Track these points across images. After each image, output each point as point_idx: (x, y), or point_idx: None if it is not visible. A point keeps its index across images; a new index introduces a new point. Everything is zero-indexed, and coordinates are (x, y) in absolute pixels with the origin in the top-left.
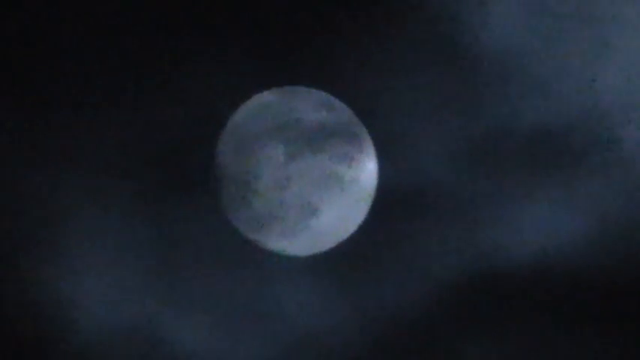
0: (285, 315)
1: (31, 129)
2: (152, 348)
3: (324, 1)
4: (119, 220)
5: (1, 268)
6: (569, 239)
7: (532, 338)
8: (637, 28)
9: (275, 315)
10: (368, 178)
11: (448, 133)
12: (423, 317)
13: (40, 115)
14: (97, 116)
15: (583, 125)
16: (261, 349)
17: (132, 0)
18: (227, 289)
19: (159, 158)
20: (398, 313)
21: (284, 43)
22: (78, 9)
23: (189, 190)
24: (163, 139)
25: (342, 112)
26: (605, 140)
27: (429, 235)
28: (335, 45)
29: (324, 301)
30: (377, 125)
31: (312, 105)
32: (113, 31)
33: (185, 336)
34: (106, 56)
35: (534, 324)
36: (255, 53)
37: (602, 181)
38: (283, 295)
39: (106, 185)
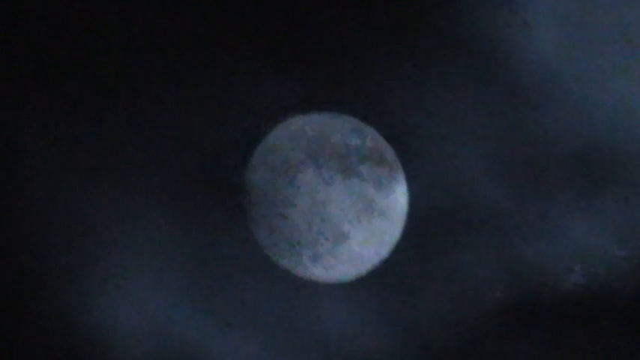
0: (324, 343)
1: (66, 143)
2: None
3: (357, 27)
4: (153, 243)
5: (39, 290)
6: (616, 261)
7: None
8: None
9: (314, 343)
10: (399, 202)
11: (487, 154)
12: (464, 342)
13: (74, 130)
14: (128, 133)
15: (626, 145)
16: None
17: (166, 21)
18: (261, 315)
19: (189, 180)
20: (438, 338)
21: (318, 68)
22: (107, 28)
23: (220, 214)
24: (194, 160)
25: (372, 137)
26: None
27: (466, 258)
28: (366, 69)
29: (361, 327)
30: (407, 149)
31: (343, 130)
32: (148, 49)
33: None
34: (140, 75)
35: (579, 348)
36: (289, 78)
37: None
38: (320, 322)
39: (140, 206)
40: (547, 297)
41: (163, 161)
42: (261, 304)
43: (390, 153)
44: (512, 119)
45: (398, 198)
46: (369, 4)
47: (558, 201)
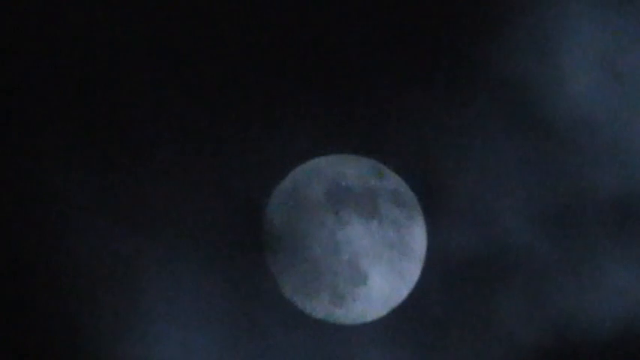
0: None
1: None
2: None
3: (376, 67)
4: (179, 286)
5: (86, 339)
6: None
7: None
8: None
9: None
10: (417, 244)
11: (521, 197)
12: None
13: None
14: (156, 185)
15: None
16: None
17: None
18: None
19: (208, 222)
20: None
21: (336, 111)
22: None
23: (239, 255)
24: (214, 201)
25: (391, 180)
26: None
27: (492, 302)
28: (385, 112)
29: None
30: (427, 192)
31: (361, 172)
32: (173, 103)
33: None
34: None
35: None
36: (308, 121)
37: None
38: None
39: (170, 250)
40: (582, 346)
41: (189, 209)
42: (284, 347)
43: (409, 195)
44: (548, 162)
45: (417, 239)
46: (395, 41)
47: (596, 247)
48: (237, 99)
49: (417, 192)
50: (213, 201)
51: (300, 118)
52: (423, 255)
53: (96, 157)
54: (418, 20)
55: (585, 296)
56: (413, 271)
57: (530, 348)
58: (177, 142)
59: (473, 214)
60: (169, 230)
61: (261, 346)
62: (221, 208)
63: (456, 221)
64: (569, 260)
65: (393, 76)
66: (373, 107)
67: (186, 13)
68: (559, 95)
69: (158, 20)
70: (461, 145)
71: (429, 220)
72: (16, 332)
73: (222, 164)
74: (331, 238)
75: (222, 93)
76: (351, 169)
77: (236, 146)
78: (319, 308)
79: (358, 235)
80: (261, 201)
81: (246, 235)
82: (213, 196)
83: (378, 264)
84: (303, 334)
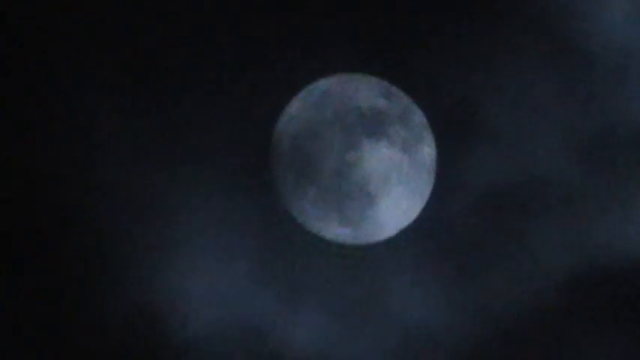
0: (389, 311)
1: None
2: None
3: None
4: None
5: (121, 271)
6: None
7: None
8: None
9: (379, 311)
10: (426, 165)
11: (555, 126)
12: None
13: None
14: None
15: None
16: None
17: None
18: (309, 284)
19: (216, 147)
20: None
21: (344, 30)
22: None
23: (247, 180)
24: (221, 126)
25: (400, 100)
26: None
27: (502, 229)
28: (397, 31)
29: (422, 295)
30: (438, 113)
31: (370, 93)
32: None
33: (287, 329)
34: (179, 60)
35: None
36: (315, 40)
37: None
38: (360, 285)
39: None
40: (617, 275)
41: (200, 131)
42: (295, 268)
43: (419, 115)
44: (586, 92)
45: (426, 161)
46: None
47: (629, 176)
48: (244, 18)
49: (427, 113)
50: (223, 124)
51: (309, 37)
52: (433, 178)
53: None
54: None
55: (617, 225)
56: (421, 194)
57: (557, 277)
58: (187, 63)
59: (487, 139)
60: (185, 155)
61: (272, 267)
62: (229, 129)
63: (471, 146)
64: (600, 189)
65: None
66: (385, 25)
67: None
68: (598, 23)
69: None
70: (478, 67)
71: (441, 142)
72: (57, 269)
73: (230, 86)
74: (339, 160)
75: (229, 13)
76: (360, 89)
77: (244, 66)
78: (328, 229)
79: (367, 157)
80: (268, 122)
81: (254, 157)
82: (223, 118)
83: (386, 186)
84: (313, 255)
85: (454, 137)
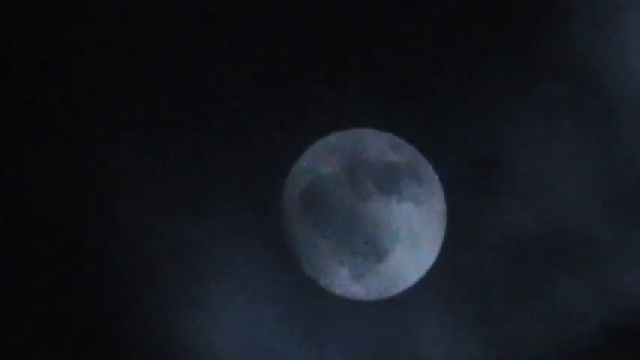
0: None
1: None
2: None
3: (398, 41)
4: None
5: (148, 301)
6: None
7: None
8: None
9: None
10: (437, 219)
11: (552, 177)
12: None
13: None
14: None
15: None
16: None
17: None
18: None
19: (227, 198)
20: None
21: (351, 85)
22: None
23: (257, 233)
24: (232, 179)
25: (409, 154)
26: None
27: (514, 279)
28: (405, 86)
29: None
30: (445, 166)
31: (379, 147)
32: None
33: None
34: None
35: None
36: (323, 96)
37: None
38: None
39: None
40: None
41: (209, 189)
42: (305, 324)
43: (428, 170)
44: (612, 140)
45: (436, 216)
46: (418, 10)
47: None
48: (253, 74)
49: (437, 167)
50: (232, 178)
51: (318, 94)
52: (443, 232)
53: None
54: None
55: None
56: (433, 249)
57: (580, 326)
58: (197, 112)
59: (509, 189)
60: (195, 210)
61: (283, 322)
62: (238, 185)
63: (479, 200)
64: (626, 238)
65: (416, 48)
66: (393, 81)
67: None
68: (621, 67)
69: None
70: (497, 117)
71: (450, 197)
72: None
73: (239, 141)
74: (350, 214)
75: (242, 63)
76: (369, 143)
77: (253, 122)
78: (339, 284)
79: (377, 211)
80: (280, 177)
81: (264, 213)
82: (231, 174)
83: (397, 240)
84: (324, 311)
85: (475, 188)
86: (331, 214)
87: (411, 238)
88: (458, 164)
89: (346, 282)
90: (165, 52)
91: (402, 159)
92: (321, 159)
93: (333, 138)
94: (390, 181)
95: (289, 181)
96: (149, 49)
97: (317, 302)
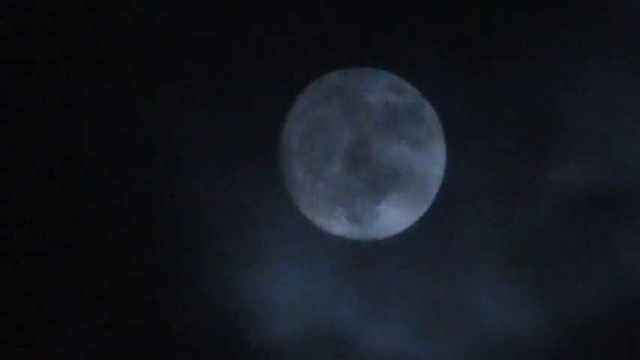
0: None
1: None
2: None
3: None
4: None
5: (206, 274)
6: None
7: None
8: None
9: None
10: (437, 161)
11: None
12: None
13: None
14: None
15: None
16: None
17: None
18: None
19: (225, 140)
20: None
21: (352, 23)
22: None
23: (256, 174)
24: (231, 121)
25: (410, 95)
26: None
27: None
28: (405, 23)
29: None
30: (446, 109)
31: (380, 88)
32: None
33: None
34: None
35: None
36: (324, 33)
37: None
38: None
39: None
40: None
41: (211, 128)
42: (303, 264)
43: (429, 111)
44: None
45: (436, 158)
46: None
47: None
48: (255, 10)
49: (438, 108)
50: (232, 118)
51: (317, 31)
52: (442, 173)
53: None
54: None
55: None
56: (431, 191)
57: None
58: (195, 56)
59: (475, 132)
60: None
61: (281, 262)
62: (237, 125)
63: (476, 142)
64: None
65: None
66: (393, 17)
67: None
68: None
69: None
70: (558, 68)
71: (450, 137)
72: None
73: (239, 79)
74: (349, 156)
75: (240, 5)
76: (369, 84)
77: (253, 60)
78: (337, 225)
79: (376, 153)
80: (278, 118)
81: (263, 153)
82: (231, 113)
83: (396, 183)
84: (322, 251)
85: (475, 132)
86: (330, 155)
87: (410, 180)
88: (459, 106)
89: (344, 223)
90: None
91: (402, 100)
92: (320, 100)
93: (333, 78)
94: (389, 123)
95: (288, 122)
96: None
97: (314, 243)
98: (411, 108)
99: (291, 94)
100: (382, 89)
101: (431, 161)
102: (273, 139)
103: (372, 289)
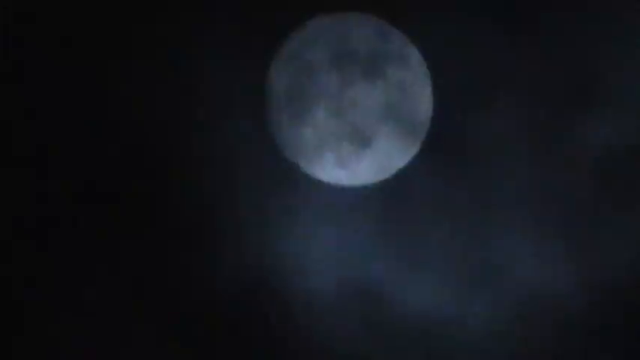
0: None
1: None
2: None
3: None
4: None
5: (239, 235)
6: None
7: None
8: None
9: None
10: (423, 106)
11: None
12: None
13: None
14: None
15: None
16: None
17: None
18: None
19: (211, 84)
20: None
21: None
22: None
23: (240, 119)
24: (216, 65)
25: (396, 40)
26: None
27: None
28: None
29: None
30: (433, 52)
31: (366, 32)
32: None
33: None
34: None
35: None
36: None
37: None
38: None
39: None
40: None
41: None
42: (288, 209)
43: (416, 57)
44: None
45: (422, 103)
46: None
47: None
48: None
49: (425, 54)
50: (215, 63)
51: None
52: (429, 118)
53: None
54: None
55: None
56: (418, 137)
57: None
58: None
59: (461, 75)
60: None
61: (266, 207)
62: (222, 70)
63: (466, 88)
64: None
65: None
66: None
67: None
68: None
69: None
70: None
71: (437, 83)
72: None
73: (223, 25)
74: (335, 100)
75: None
76: (356, 28)
77: (237, 5)
78: (323, 170)
79: (363, 98)
80: (264, 63)
81: (249, 98)
82: (215, 59)
83: (382, 127)
84: (307, 196)
85: (462, 76)
86: (316, 100)
87: (397, 125)
88: (446, 51)
89: (331, 168)
90: None
91: (388, 45)
92: (306, 45)
93: (319, 22)
94: (376, 68)
95: (274, 68)
96: None
97: (300, 188)
98: (398, 53)
99: (279, 37)
100: (369, 34)
101: (418, 107)
102: (258, 85)
103: (374, 235)
